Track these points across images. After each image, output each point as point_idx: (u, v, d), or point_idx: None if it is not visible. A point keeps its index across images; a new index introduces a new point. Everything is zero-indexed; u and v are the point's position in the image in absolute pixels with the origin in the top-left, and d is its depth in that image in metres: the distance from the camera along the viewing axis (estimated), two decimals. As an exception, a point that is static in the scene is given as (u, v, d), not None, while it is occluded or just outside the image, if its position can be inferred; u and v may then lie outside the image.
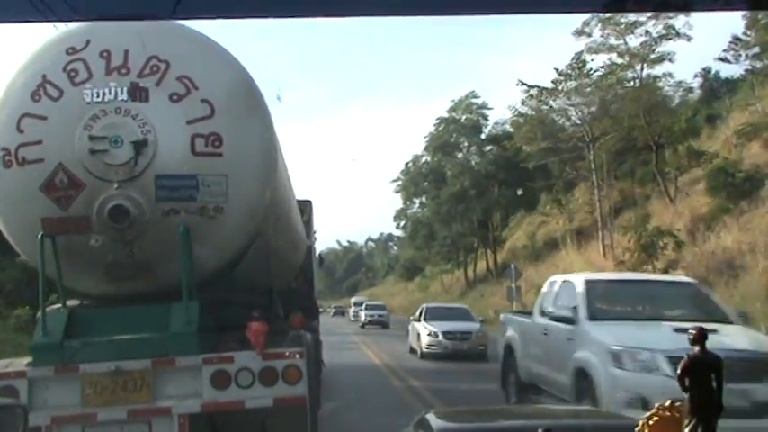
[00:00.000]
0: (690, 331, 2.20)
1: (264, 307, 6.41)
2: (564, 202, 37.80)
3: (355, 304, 53.21)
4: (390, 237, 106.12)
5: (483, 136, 49.74)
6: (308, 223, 14.19)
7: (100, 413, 5.38)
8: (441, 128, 51.48)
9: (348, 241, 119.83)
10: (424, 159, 56.08)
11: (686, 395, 2.03)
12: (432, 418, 2.86)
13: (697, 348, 2.14)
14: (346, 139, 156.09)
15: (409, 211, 62.90)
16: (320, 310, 28.22)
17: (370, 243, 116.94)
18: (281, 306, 8.53)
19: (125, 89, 5.66)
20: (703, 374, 2.06)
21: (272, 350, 5.68)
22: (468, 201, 48.08)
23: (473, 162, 50.11)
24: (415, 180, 56.75)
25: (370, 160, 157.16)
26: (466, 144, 50.98)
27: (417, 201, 60.10)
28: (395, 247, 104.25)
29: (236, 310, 6.24)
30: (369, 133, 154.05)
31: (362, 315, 40.69)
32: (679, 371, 2.13)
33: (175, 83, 5.77)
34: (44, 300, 5.76)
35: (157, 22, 6.13)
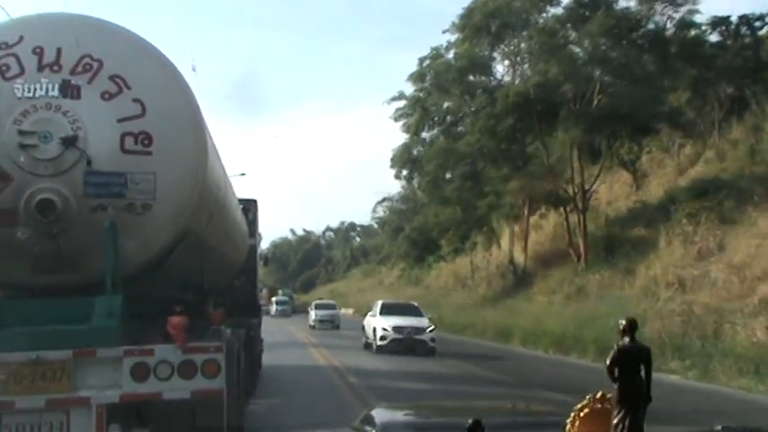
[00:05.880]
0: (620, 322, 2.20)
1: (189, 302, 6.57)
2: None
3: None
4: (352, 226, 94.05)
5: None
6: (253, 222, 14.33)
7: (18, 401, 5.47)
8: None
9: (304, 230, 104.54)
10: (453, 53, 32.22)
11: (615, 385, 2.08)
12: (377, 413, 2.97)
13: (627, 339, 2.14)
14: (305, 134, 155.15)
15: (415, 150, 37.32)
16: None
17: (329, 233, 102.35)
18: (214, 303, 8.70)
19: (56, 86, 5.80)
20: (632, 365, 2.09)
21: (192, 344, 5.86)
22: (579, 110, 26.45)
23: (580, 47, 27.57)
24: (440, 83, 32.25)
25: (324, 150, 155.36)
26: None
27: (429, 133, 35.49)
28: (357, 238, 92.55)
29: (162, 304, 6.41)
30: (328, 128, 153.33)
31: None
32: (608, 362, 2.16)
33: (108, 81, 5.92)
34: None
35: (93, 21, 6.30)
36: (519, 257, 33.00)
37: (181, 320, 5.81)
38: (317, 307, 40.96)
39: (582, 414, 2.09)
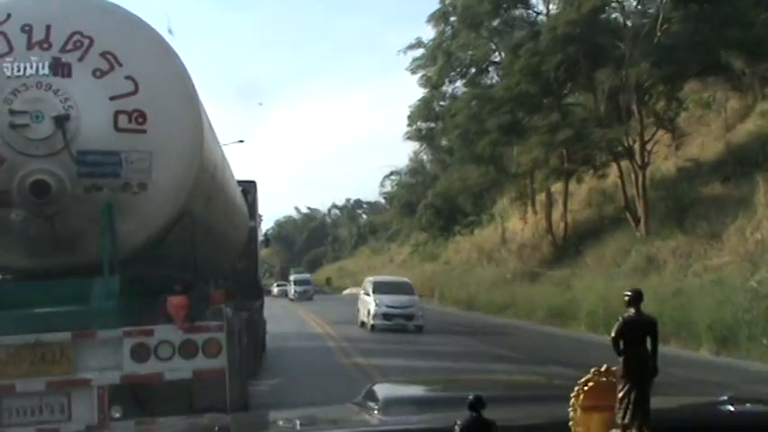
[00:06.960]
0: (625, 293, 2.07)
1: (189, 283, 6.49)
2: None
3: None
4: (359, 203, 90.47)
5: None
6: (253, 204, 14.25)
7: (19, 384, 5.42)
8: None
9: (309, 208, 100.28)
10: None
11: (621, 358, 2.00)
12: (379, 388, 2.92)
13: (632, 310, 2.01)
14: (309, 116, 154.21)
15: (437, 105, 31.75)
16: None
17: (335, 211, 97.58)
18: (215, 284, 8.63)
19: (47, 64, 5.68)
20: (637, 337, 2.01)
21: (192, 324, 5.78)
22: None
23: None
24: (469, 18, 27.83)
25: (327, 127, 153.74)
26: None
27: (451, 86, 30.78)
28: (364, 215, 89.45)
29: (161, 285, 6.33)
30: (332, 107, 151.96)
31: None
32: (613, 333, 2.02)
33: (99, 59, 5.80)
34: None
35: None
36: (554, 226, 29.32)
37: (181, 300, 5.74)
38: (377, 289, 22.37)
39: (586, 387, 2.04)
